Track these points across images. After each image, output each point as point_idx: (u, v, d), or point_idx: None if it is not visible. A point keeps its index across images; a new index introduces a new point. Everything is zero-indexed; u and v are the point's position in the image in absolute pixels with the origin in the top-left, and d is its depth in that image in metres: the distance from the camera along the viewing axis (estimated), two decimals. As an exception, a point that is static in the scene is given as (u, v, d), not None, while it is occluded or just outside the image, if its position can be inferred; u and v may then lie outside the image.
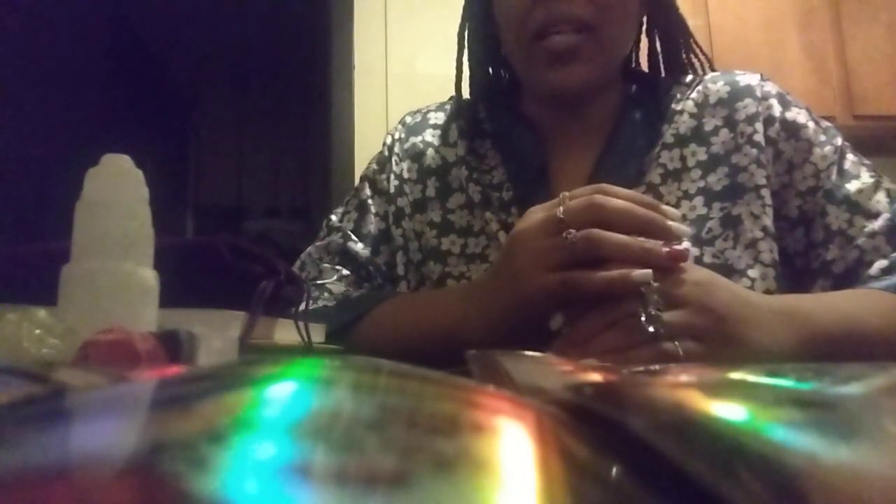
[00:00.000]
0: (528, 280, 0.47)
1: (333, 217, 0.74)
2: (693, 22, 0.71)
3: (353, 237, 0.71)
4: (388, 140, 0.76)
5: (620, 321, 0.43)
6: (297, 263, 0.73)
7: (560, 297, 0.46)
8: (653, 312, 0.42)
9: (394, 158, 0.73)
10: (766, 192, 0.61)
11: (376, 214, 0.72)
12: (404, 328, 0.59)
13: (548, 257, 0.46)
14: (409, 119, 0.77)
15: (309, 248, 0.74)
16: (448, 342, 0.52)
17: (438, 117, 0.75)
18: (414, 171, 0.72)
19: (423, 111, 0.77)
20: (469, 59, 0.72)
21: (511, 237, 0.49)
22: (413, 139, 0.74)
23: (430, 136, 0.73)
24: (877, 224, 0.58)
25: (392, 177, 0.72)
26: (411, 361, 0.20)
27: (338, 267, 0.70)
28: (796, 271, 0.62)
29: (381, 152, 0.76)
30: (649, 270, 0.43)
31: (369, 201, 0.73)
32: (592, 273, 0.44)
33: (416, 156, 0.73)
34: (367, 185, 0.74)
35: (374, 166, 0.75)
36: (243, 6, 3.13)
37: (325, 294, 0.67)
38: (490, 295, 0.51)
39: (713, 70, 0.71)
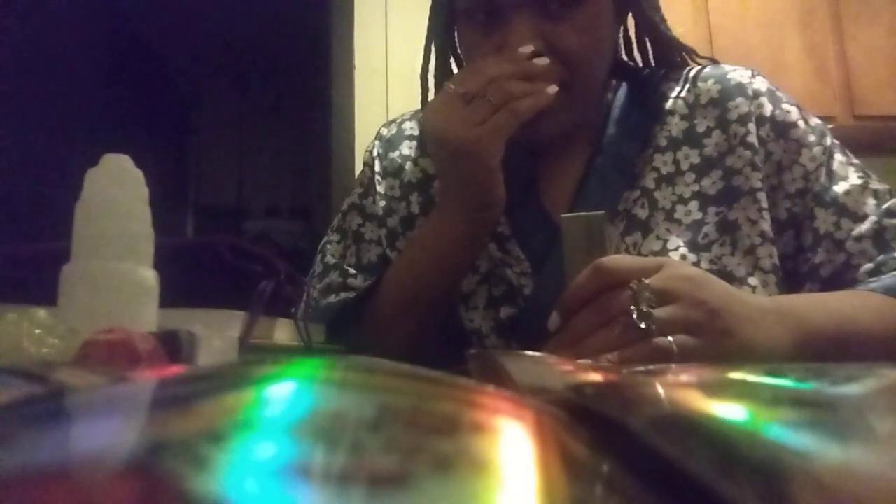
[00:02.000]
0: (464, 148, 0.54)
1: (328, 251, 0.72)
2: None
3: (352, 272, 0.69)
4: (367, 157, 0.74)
5: (613, 319, 0.43)
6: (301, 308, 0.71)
7: (498, 136, 0.53)
8: (644, 309, 0.42)
9: (376, 178, 0.72)
10: (761, 196, 0.60)
11: (371, 241, 0.70)
12: (405, 272, 0.62)
13: (467, 117, 0.53)
14: (384, 132, 0.75)
15: (307, 289, 0.71)
16: (443, 258, 0.58)
17: (414, 127, 0.73)
18: (397, 188, 0.70)
19: (398, 122, 0.75)
20: (435, 90, 0.70)
21: (431, 140, 0.57)
22: (391, 154, 0.72)
23: (408, 148, 0.72)
24: (864, 227, 0.58)
25: (378, 198, 0.71)
26: (413, 361, 0.20)
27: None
28: (786, 274, 0.62)
29: (363, 172, 0.74)
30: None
31: (361, 230, 0.71)
32: (567, 296, 0.45)
33: (395, 172, 0.71)
34: (356, 213, 0.72)
35: (359, 190, 0.73)
36: (243, 6, 3.13)
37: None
38: (448, 192, 0.58)
39: (700, 57, 0.69)
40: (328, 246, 0.72)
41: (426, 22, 0.72)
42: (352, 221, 0.72)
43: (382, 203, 0.70)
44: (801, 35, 2.13)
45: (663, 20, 0.67)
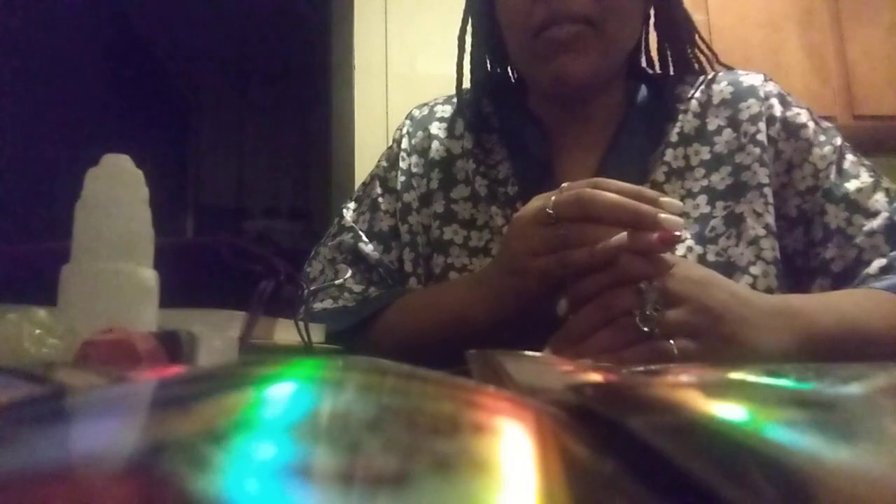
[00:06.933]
0: (522, 264, 0.49)
1: (346, 215, 0.74)
2: (693, 21, 0.71)
3: (364, 238, 0.71)
4: (397, 135, 0.76)
5: (616, 319, 0.43)
6: (312, 265, 0.73)
7: (555, 279, 0.48)
8: (648, 312, 0.42)
9: (402, 154, 0.74)
10: (768, 191, 0.61)
11: (386, 212, 0.72)
12: (420, 316, 0.60)
13: (539, 245, 0.48)
14: (416, 112, 0.78)
15: (319, 248, 0.74)
16: (458, 327, 0.55)
17: (446, 110, 0.76)
18: (421, 166, 0.72)
19: (431, 104, 0.78)
20: (471, 60, 0.72)
21: (510, 223, 0.53)
22: (420, 133, 0.74)
23: (437, 128, 0.74)
24: (875, 223, 0.59)
25: (399, 173, 0.73)
26: (413, 361, 0.20)
27: (351, 267, 0.70)
28: (796, 270, 0.62)
29: (391, 148, 0.76)
30: (624, 234, 0.44)
31: (379, 199, 0.73)
32: (580, 250, 0.45)
33: (422, 150, 0.73)
34: (377, 183, 0.74)
35: (384, 164, 0.75)
36: (243, 6, 3.13)
37: (346, 294, 0.68)
38: (492, 280, 0.54)
39: (719, 63, 0.71)
40: (345, 211, 0.75)
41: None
42: (372, 190, 0.74)
43: (402, 179, 0.72)
44: (801, 35, 2.13)
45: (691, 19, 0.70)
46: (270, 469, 0.09)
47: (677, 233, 0.44)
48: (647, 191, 0.47)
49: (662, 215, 0.45)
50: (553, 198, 0.48)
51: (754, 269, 0.59)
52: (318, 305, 0.67)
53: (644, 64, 0.73)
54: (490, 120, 0.72)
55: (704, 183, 0.63)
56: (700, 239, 0.60)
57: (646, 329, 0.42)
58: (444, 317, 0.57)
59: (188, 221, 3.89)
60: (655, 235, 0.43)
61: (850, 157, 0.63)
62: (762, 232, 0.60)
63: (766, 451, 0.11)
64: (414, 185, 0.72)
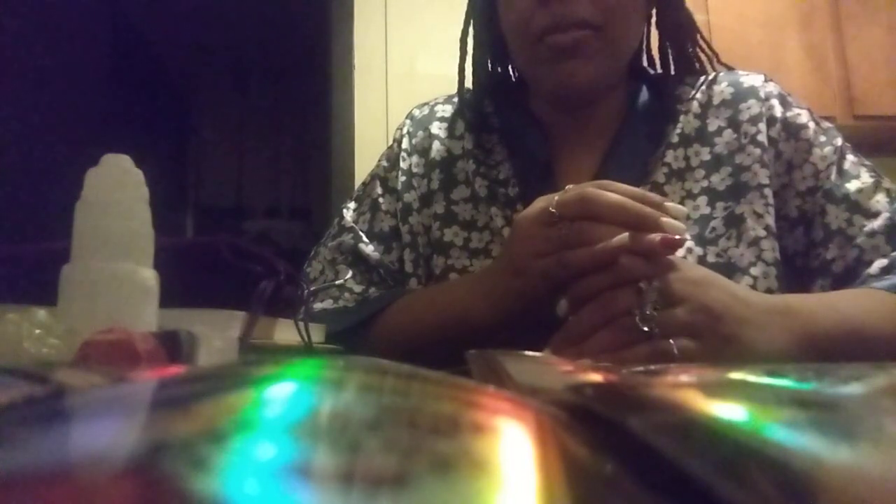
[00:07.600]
0: (524, 264, 0.49)
1: (346, 215, 0.74)
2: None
3: (365, 239, 0.71)
4: (398, 135, 0.76)
5: (616, 319, 0.43)
6: (313, 265, 0.73)
7: (556, 279, 0.48)
8: (648, 312, 0.42)
9: (402, 154, 0.73)
10: (768, 192, 0.61)
11: (387, 212, 0.72)
12: (421, 316, 0.60)
13: (541, 245, 0.48)
14: (416, 112, 0.77)
15: (319, 248, 0.74)
16: (459, 327, 0.55)
17: (446, 110, 0.75)
18: (421, 166, 0.72)
19: (431, 104, 0.78)
20: (473, 61, 0.72)
21: (513, 224, 0.53)
22: (421, 133, 0.74)
23: (437, 128, 0.74)
24: (876, 223, 0.58)
25: (400, 173, 0.72)
26: (413, 361, 0.20)
27: (352, 267, 0.70)
28: (796, 271, 0.62)
29: (391, 148, 0.76)
30: (625, 234, 0.44)
31: (380, 199, 0.73)
32: (581, 250, 0.46)
33: (423, 150, 0.73)
34: (378, 183, 0.74)
35: (385, 163, 0.75)
36: (243, 6, 3.13)
37: (346, 294, 0.68)
38: (494, 280, 0.54)
39: (720, 63, 0.71)
40: (345, 211, 0.75)
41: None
42: (372, 190, 0.74)
43: (403, 179, 0.72)
44: (801, 35, 2.13)
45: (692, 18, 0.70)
46: (270, 469, 0.09)
47: (679, 237, 0.44)
48: (651, 195, 0.47)
49: (664, 219, 0.45)
50: (556, 198, 0.48)
51: (754, 270, 0.59)
52: (318, 306, 0.67)
53: (644, 63, 0.72)
54: (491, 120, 0.71)
55: (705, 184, 0.63)
56: (700, 240, 0.60)
57: (646, 329, 0.42)
58: (445, 317, 0.57)
59: (188, 221, 3.89)
60: (658, 238, 0.43)
61: (850, 157, 0.63)
62: (762, 233, 0.60)
63: (766, 451, 0.11)
64: (414, 186, 0.71)
